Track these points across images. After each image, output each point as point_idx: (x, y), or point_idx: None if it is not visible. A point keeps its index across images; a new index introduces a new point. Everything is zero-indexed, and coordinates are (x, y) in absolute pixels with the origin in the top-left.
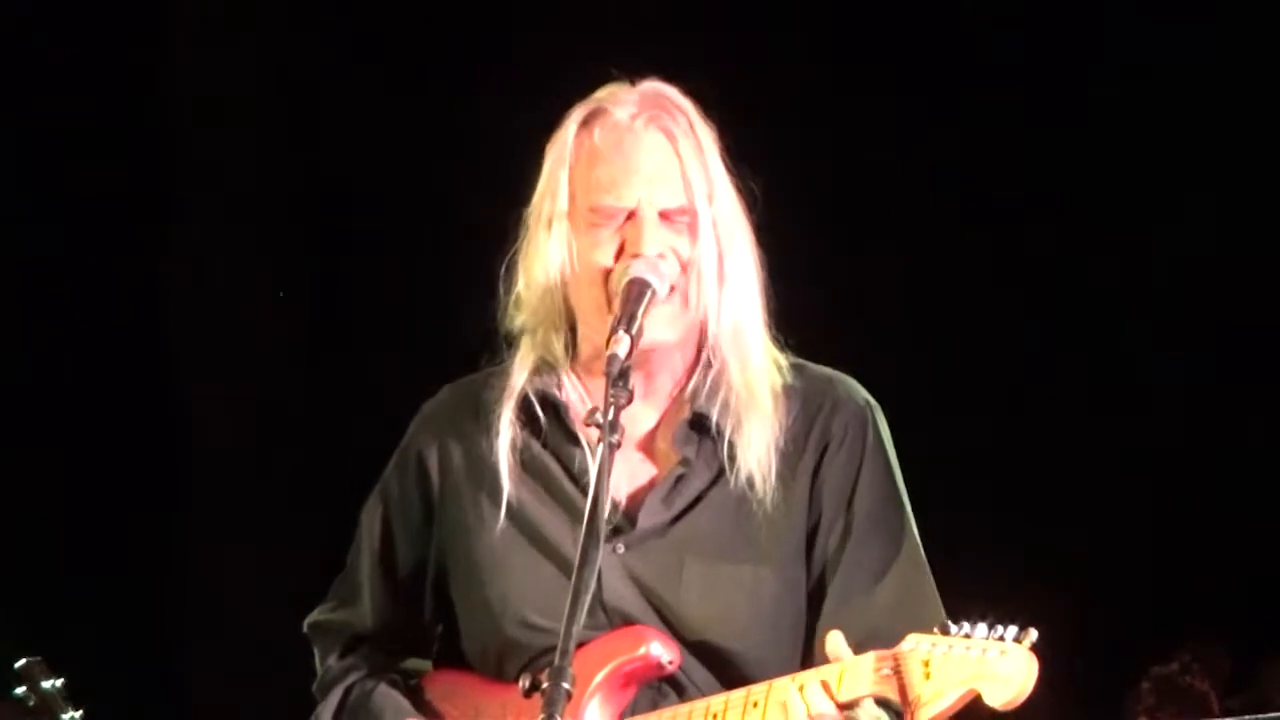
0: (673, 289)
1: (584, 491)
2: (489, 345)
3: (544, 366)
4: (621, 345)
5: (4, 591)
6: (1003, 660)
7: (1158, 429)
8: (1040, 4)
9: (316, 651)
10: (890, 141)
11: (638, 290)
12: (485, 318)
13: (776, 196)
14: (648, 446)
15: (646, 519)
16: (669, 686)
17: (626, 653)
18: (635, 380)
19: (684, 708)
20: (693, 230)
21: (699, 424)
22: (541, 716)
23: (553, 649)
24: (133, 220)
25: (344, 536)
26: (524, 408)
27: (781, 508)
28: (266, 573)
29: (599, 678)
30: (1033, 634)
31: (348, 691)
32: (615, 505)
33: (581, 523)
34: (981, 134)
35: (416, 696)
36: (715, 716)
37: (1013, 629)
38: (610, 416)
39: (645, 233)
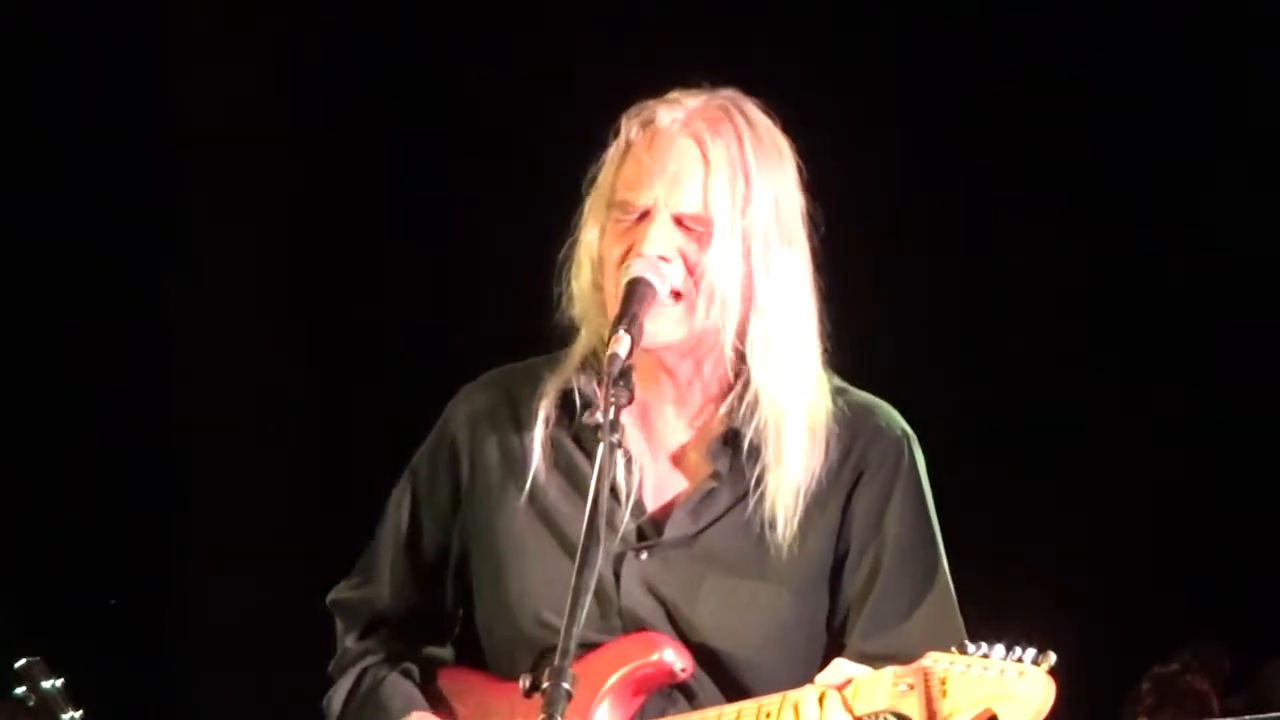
0: (679, 294)
1: (614, 492)
2: (491, 347)
3: (592, 360)
4: (622, 345)
5: (4, 592)
6: (1020, 682)
7: (1158, 429)
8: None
9: (337, 628)
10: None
11: (638, 290)
12: (484, 319)
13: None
14: (680, 458)
15: (673, 529)
16: (679, 694)
17: (639, 658)
18: (666, 387)
19: (694, 715)
20: (708, 238)
21: (732, 440)
22: (541, 717)
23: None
24: (133, 218)
25: (345, 536)
26: (564, 401)
27: (808, 534)
28: (267, 573)
29: (610, 682)
30: (1051, 657)
31: (361, 676)
32: (644, 513)
33: (611, 529)
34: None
35: (427, 689)
36: None
37: (1031, 651)
38: (610, 416)
39: (651, 232)
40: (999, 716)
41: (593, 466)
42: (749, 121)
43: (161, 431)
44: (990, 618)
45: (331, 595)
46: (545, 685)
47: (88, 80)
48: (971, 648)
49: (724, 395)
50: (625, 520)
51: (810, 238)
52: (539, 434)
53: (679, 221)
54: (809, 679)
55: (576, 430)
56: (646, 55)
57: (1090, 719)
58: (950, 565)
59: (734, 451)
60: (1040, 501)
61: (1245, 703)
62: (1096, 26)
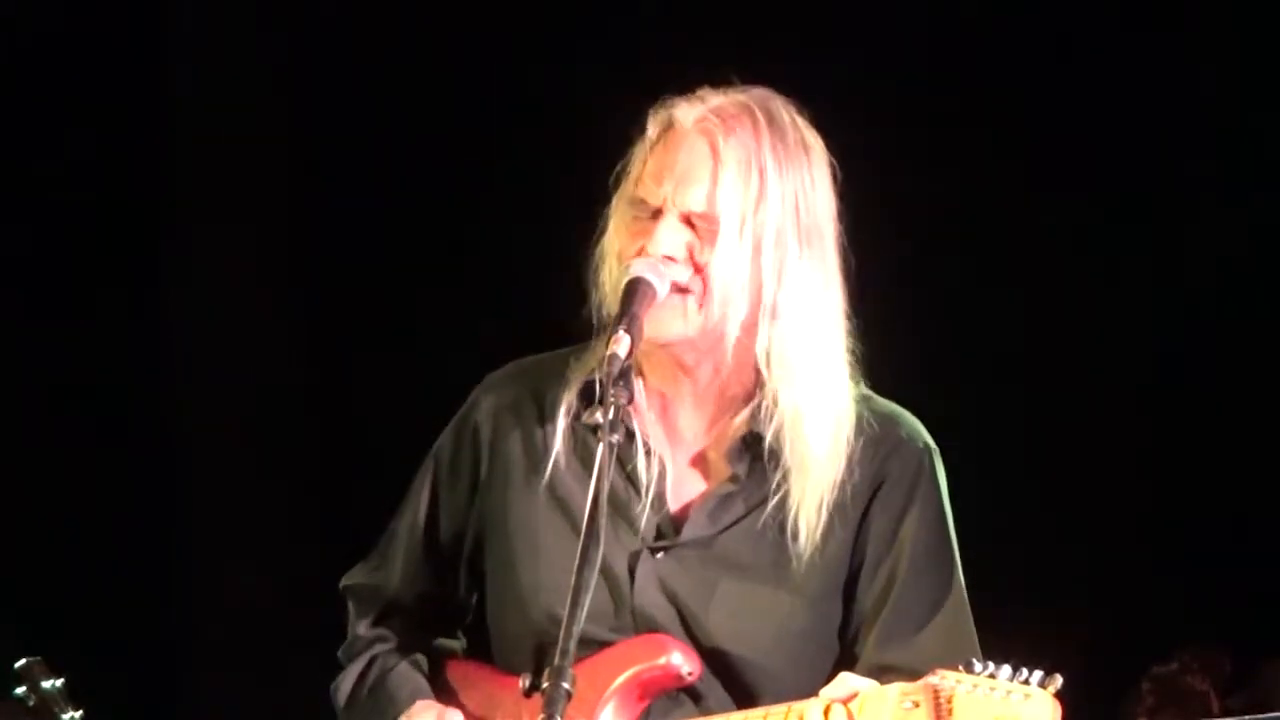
0: (684, 290)
1: (634, 487)
2: (492, 346)
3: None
4: (622, 345)
5: (4, 592)
6: (1026, 704)
7: (1158, 428)
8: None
9: (349, 613)
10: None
11: (638, 290)
12: (485, 320)
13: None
14: (700, 459)
15: (690, 531)
16: (686, 696)
17: (646, 660)
18: (685, 386)
19: None
20: (715, 236)
21: (753, 444)
22: (541, 716)
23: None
24: (132, 217)
25: (346, 537)
26: (586, 394)
27: (826, 543)
28: (267, 573)
29: (617, 683)
30: (1058, 680)
31: (370, 664)
32: (664, 513)
33: (629, 525)
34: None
35: (435, 680)
36: None
37: (1038, 673)
38: (610, 416)
39: (659, 231)
40: None
41: (615, 461)
42: (771, 119)
43: (161, 431)
44: (990, 618)
45: (345, 580)
46: (545, 685)
47: (87, 78)
48: (979, 666)
49: (746, 401)
50: (645, 511)
51: (840, 241)
52: (560, 426)
53: (687, 220)
54: (817, 688)
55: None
56: (668, 53)
57: (1090, 719)
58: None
59: (754, 456)
60: (1040, 502)
61: (1245, 703)
62: (1132, 27)
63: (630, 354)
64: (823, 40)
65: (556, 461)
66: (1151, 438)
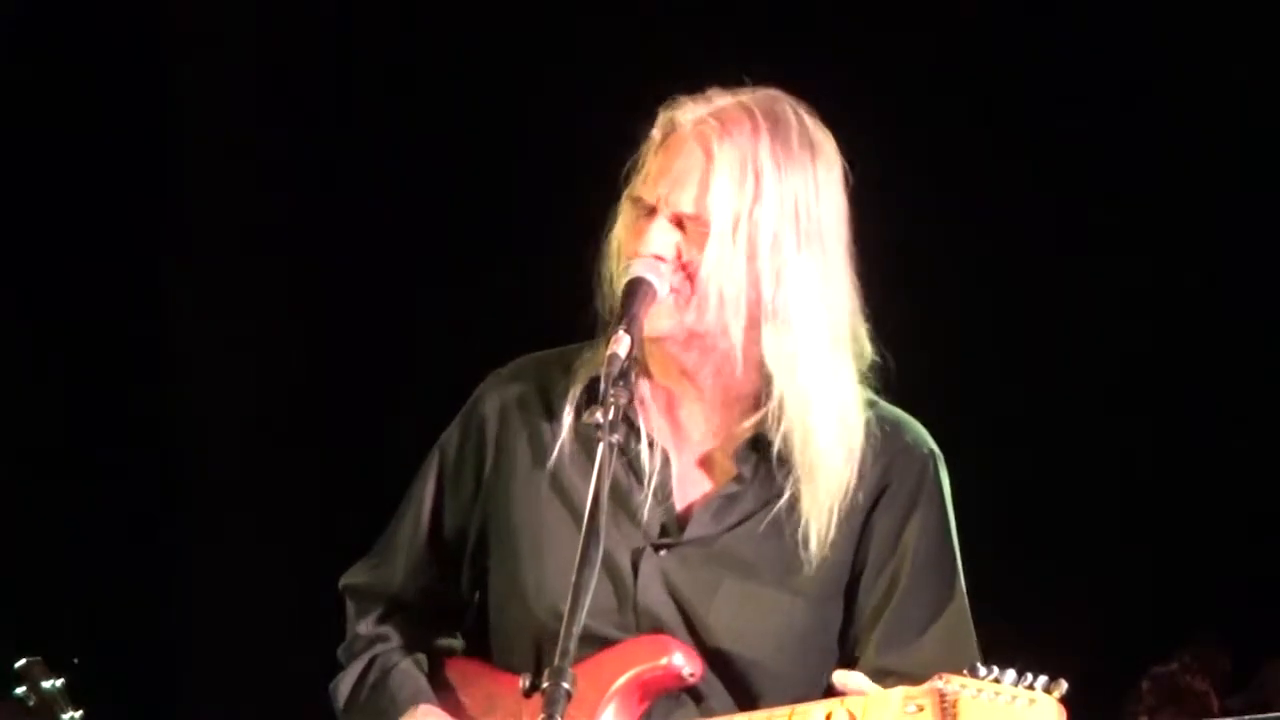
0: (675, 291)
1: (636, 476)
2: (493, 346)
3: None
4: (622, 345)
5: (4, 592)
6: (1031, 710)
7: (1158, 428)
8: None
9: (348, 612)
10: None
11: (639, 290)
12: (487, 319)
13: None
14: (705, 458)
15: (695, 529)
16: (688, 696)
17: (648, 661)
18: (688, 387)
19: None
20: (704, 238)
21: (759, 445)
22: (542, 717)
23: (578, 641)
24: (133, 217)
25: (346, 537)
26: (592, 390)
27: (829, 546)
28: (267, 573)
29: (618, 683)
30: (1063, 685)
31: (370, 663)
32: (669, 509)
33: (631, 519)
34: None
35: (435, 679)
36: None
37: (1043, 678)
38: (610, 416)
39: (650, 231)
40: None
41: (620, 457)
42: (774, 121)
43: (162, 431)
44: (991, 619)
45: (345, 579)
46: (545, 685)
47: (87, 78)
48: (983, 670)
49: (755, 402)
50: (647, 502)
51: (849, 244)
52: (567, 422)
53: (678, 221)
54: (817, 691)
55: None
56: (671, 52)
57: (1090, 719)
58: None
59: (760, 457)
60: (1040, 502)
61: (1245, 703)
62: (1139, 27)
63: (630, 354)
64: (822, 40)
65: (561, 458)
66: (1151, 438)
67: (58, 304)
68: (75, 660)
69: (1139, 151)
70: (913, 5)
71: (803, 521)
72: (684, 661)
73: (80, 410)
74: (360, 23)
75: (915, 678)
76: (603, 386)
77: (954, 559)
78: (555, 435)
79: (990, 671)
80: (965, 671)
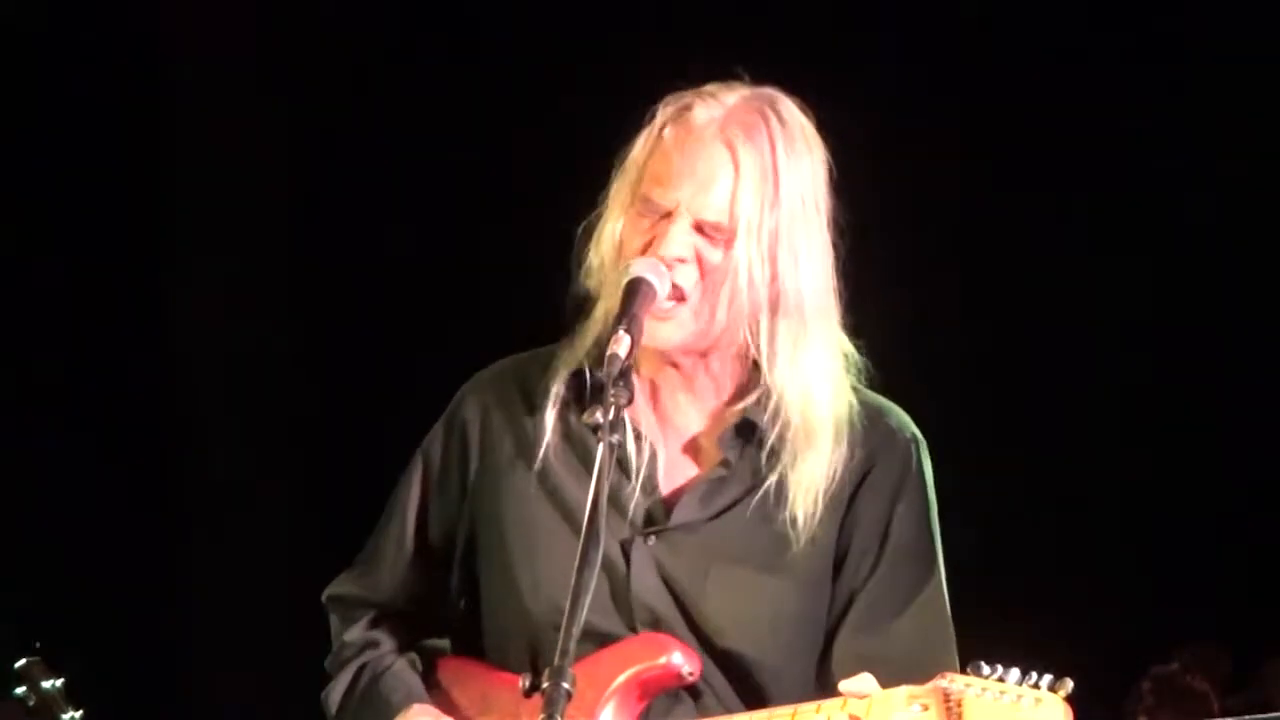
0: (683, 296)
1: (624, 471)
2: (493, 345)
3: (606, 341)
4: (622, 345)
5: (4, 592)
6: (1038, 710)
7: (1158, 428)
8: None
9: (332, 624)
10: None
11: (639, 290)
12: (485, 317)
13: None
14: (691, 444)
15: (681, 514)
16: (685, 692)
17: (647, 660)
18: (674, 377)
19: None
20: (729, 244)
21: (746, 431)
22: (542, 717)
23: (574, 638)
24: (132, 217)
25: (346, 537)
26: (576, 383)
27: (815, 529)
28: (267, 572)
29: (617, 682)
30: (1068, 684)
31: (359, 672)
32: (655, 498)
33: (618, 510)
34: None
35: (427, 679)
36: None
37: (1048, 677)
38: (610, 416)
39: (671, 235)
40: None
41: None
42: (782, 123)
43: (162, 430)
44: (991, 619)
45: (329, 590)
46: (545, 685)
47: (87, 78)
48: (986, 669)
49: (739, 391)
50: (635, 496)
51: (834, 239)
52: (550, 416)
53: (699, 227)
54: (811, 673)
55: (588, 409)
56: (667, 50)
57: (1090, 719)
58: (949, 566)
59: (746, 442)
60: (1040, 502)
61: (1245, 703)
62: (1134, 29)
63: (630, 354)
64: (821, 39)
65: (548, 455)
66: (1151, 438)
67: (57, 303)
68: (37, 644)
69: (1138, 150)
70: (911, 5)
71: (789, 506)
72: (683, 660)
73: (80, 410)
74: (360, 22)
75: (888, 661)
76: (600, 382)
77: (934, 545)
78: (540, 433)
79: (994, 670)
80: (969, 670)
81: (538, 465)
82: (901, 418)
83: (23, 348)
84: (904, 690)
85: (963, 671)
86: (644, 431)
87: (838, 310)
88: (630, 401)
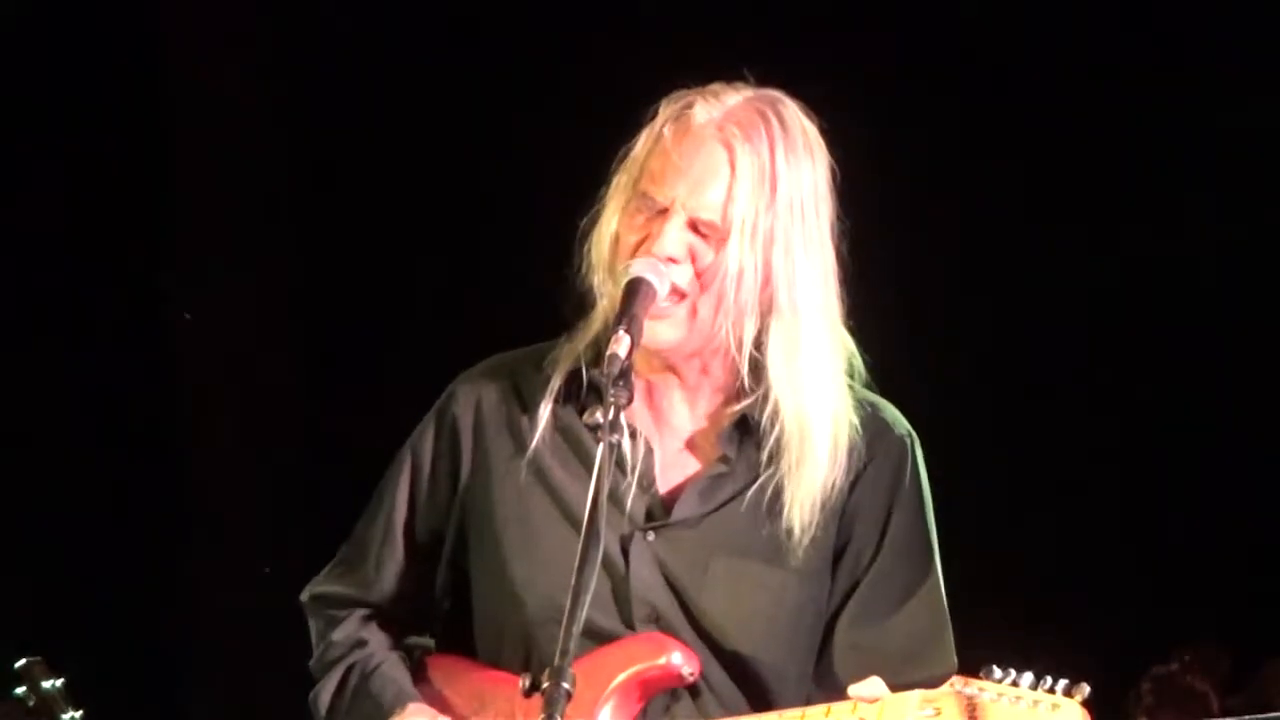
0: (682, 295)
1: (619, 466)
2: (493, 345)
3: (604, 334)
4: (622, 345)
5: (4, 591)
6: (1055, 715)
7: (1158, 428)
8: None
9: (315, 625)
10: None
11: (639, 290)
12: (485, 317)
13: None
14: (689, 442)
15: (681, 510)
16: (684, 690)
17: (647, 660)
18: (671, 378)
19: None
20: (721, 244)
21: (744, 427)
22: (541, 717)
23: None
24: (132, 216)
25: (347, 535)
26: (572, 380)
27: (814, 524)
28: (267, 572)
29: (616, 682)
30: (1085, 689)
31: (348, 671)
32: (653, 495)
33: (615, 507)
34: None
35: (417, 678)
36: None
37: (1063, 682)
38: (610, 416)
39: (666, 233)
40: None
41: (598, 448)
42: (783, 125)
43: (162, 431)
44: (991, 619)
45: (311, 590)
46: (545, 685)
47: (87, 78)
48: (998, 672)
49: (736, 392)
50: (632, 493)
51: (837, 243)
52: (544, 414)
53: (694, 225)
54: (810, 667)
55: (584, 408)
56: (666, 53)
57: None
58: (949, 565)
59: (744, 438)
60: (1040, 503)
61: (1245, 703)
62: (1129, 28)
63: (630, 354)
64: (821, 39)
65: (541, 451)
66: (1151, 438)
67: (57, 302)
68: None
69: (1138, 150)
70: (910, 5)
71: (788, 500)
72: (683, 660)
73: (81, 411)
74: (359, 25)
75: (885, 654)
76: (600, 382)
77: (930, 540)
78: (533, 429)
79: (1007, 674)
80: (982, 674)
81: (532, 461)
82: (895, 415)
83: (23, 348)
84: (917, 694)
85: (974, 674)
86: (640, 430)
87: (839, 314)
88: (630, 401)
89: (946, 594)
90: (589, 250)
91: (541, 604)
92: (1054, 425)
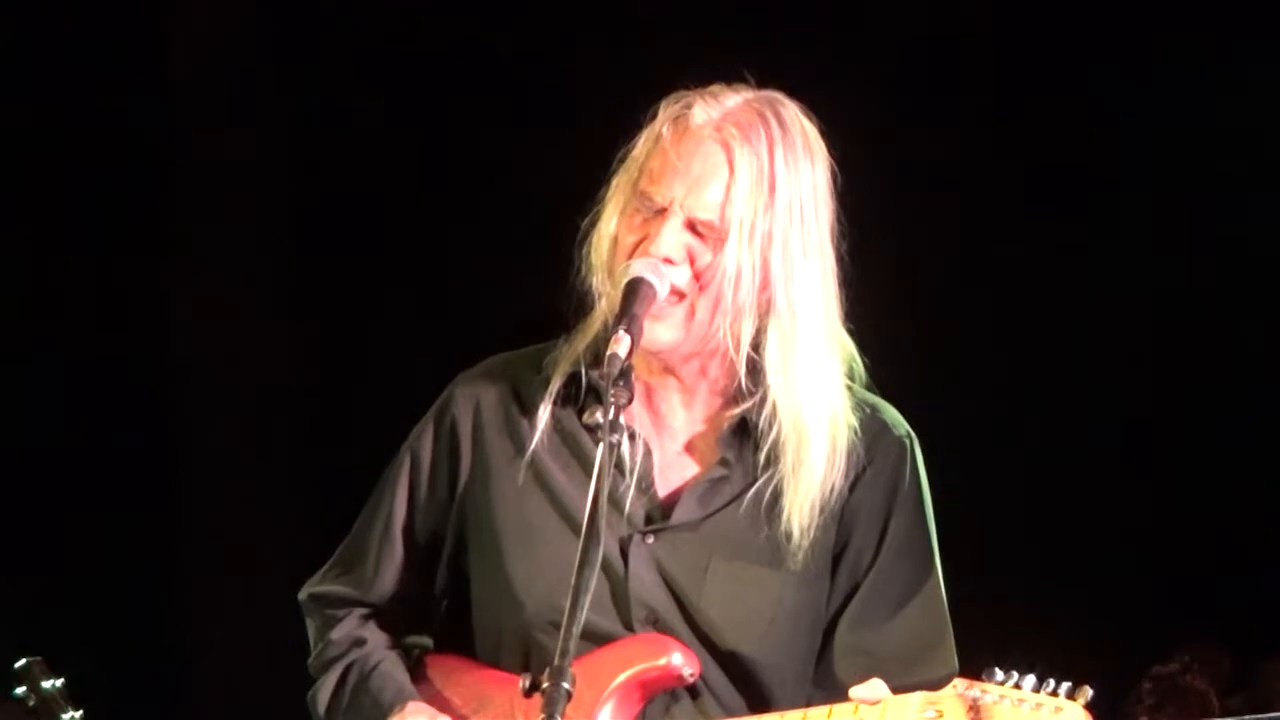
0: (681, 295)
1: (621, 472)
2: (492, 345)
3: (603, 335)
4: (622, 345)
5: (4, 591)
6: (1057, 718)
7: (1158, 428)
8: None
9: (313, 624)
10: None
11: (639, 290)
12: (483, 316)
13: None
14: (689, 447)
15: (681, 513)
16: (684, 691)
17: (647, 660)
18: (670, 380)
19: None
20: (720, 244)
21: (742, 430)
22: (541, 717)
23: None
24: (132, 216)
25: (344, 536)
26: (571, 382)
27: (812, 527)
28: (267, 572)
29: (616, 682)
30: (1088, 691)
31: (347, 670)
32: (653, 498)
33: (614, 509)
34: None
35: (417, 677)
36: None
37: (1066, 685)
38: (610, 416)
39: (663, 233)
40: None
41: (597, 449)
42: (783, 127)
43: (162, 432)
44: (991, 619)
45: (309, 589)
46: (545, 685)
47: (87, 77)
48: (1000, 674)
49: (735, 395)
50: (630, 492)
51: (837, 246)
52: (544, 415)
53: (692, 225)
54: (809, 669)
55: (583, 409)
56: (665, 51)
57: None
58: (950, 566)
59: (743, 441)
60: (1040, 502)
61: (1245, 703)
62: (1133, 26)
63: (630, 354)
64: (820, 39)
65: (540, 451)
66: (1151, 438)
67: (58, 306)
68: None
69: (1138, 150)
70: (909, 6)
71: (787, 503)
72: (683, 661)
73: (81, 409)
74: (359, 24)
75: (886, 656)
76: (599, 383)
77: (930, 541)
78: (533, 430)
79: (1009, 676)
80: (984, 676)
81: (531, 462)
82: (895, 416)
83: (23, 347)
84: (919, 696)
85: (976, 677)
86: (639, 431)
87: (838, 316)
88: (630, 402)
89: (946, 595)
90: (588, 251)
91: (540, 605)
92: (1054, 425)
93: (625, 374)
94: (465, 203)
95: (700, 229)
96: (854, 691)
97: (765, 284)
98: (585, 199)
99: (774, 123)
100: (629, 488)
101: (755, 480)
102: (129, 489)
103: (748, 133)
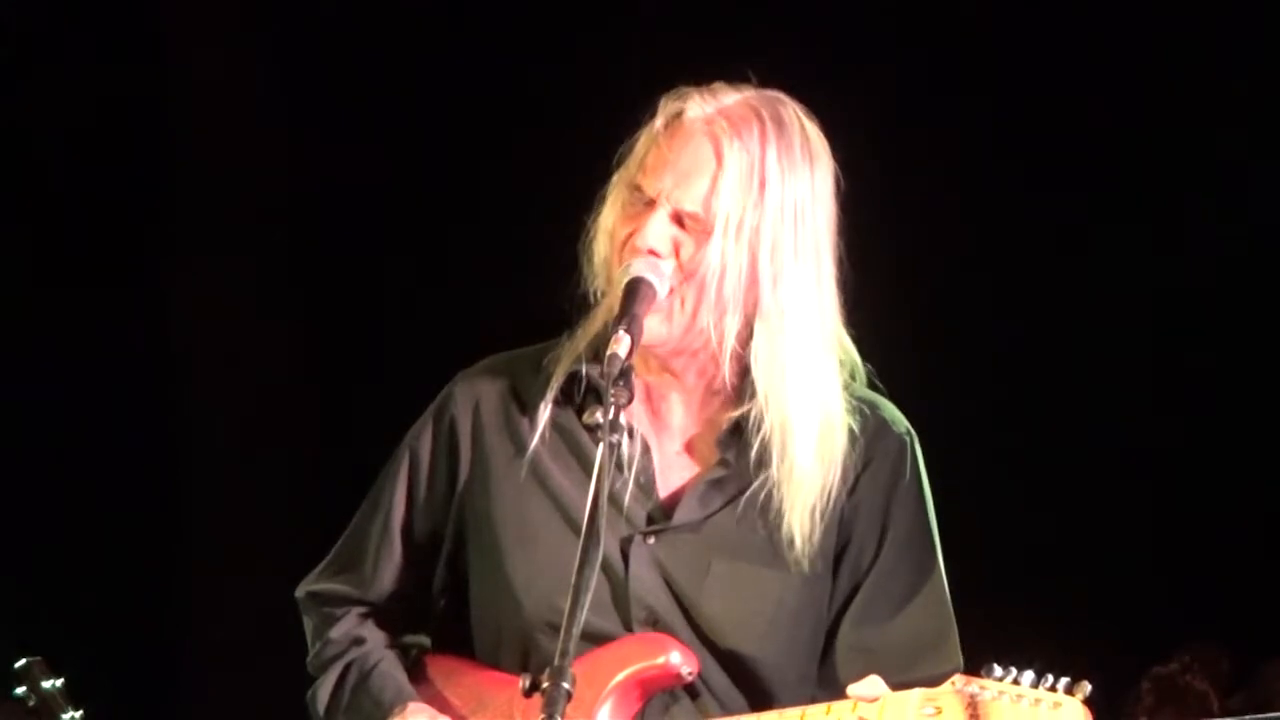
0: (671, 291)
1: (621, 471)
2: (491, 345)
3: (604, 334)
4: (622, 345)
5: (4, 591)
6: (1056, 713)
7: (1158, 428)
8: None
9: (310, 623)
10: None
11: (639, 290)
12: (482, 317)
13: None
14: (689, 447)
15: (682, 514)
16: (683, 690)
17: (646, 659)
18: (670, 380)
19: None
20: (705, 239)
21: (742, 430)
22: (541, 716)
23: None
24: (132, 216)
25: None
26: (571, 382)
27: (813, 526)
28: (267, 572)
29: (614, 681)
30: (1086, 687)
31: (346, 669)
32: (653, 498)
33: (614, 509)
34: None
35: (416, 676)
36: None
37: (1064, 680)
38: (609, 416)
39: (649, 225)
40: None
41: (597, 448)
42: (779, 124)
43: (162, 431)
44: (991, 618)
45: (306, 587)
46: (545, 685)
47: (87, 76)
48: (999, 670)
49: (735, 394)
50: (629, 489)
51: (837, 249)
52: (544, 414)
53: (678, 218)
54: (813, 673)
55: (582, 409)
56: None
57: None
58: (950, 566)
59: (743, 441)
60: (1040, 502)
61: (1245, 703)
62: (1133, 26)
63: (630, 354)
64: (820, 39)
65: (540, 451)
66: (1151, 438)
67: (58, 307)
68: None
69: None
70: (911, 6)
71: (785, 505)
72: (682, 660)
73: (81, 409)
74: (359, 24)
75: (889, 654)
76: (605, 386)
77: (932, 538)
78: (533, 429)
79: (1008, 672)
80: (982, 672)
81: (530, 461)
82: (894, 412)
83: (23, 347)
84: (917, 692)
85: (974, 673)
86: (638, 429)
87: (835, 320)
88: (630, 401)
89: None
90: (588, 249)
91: (540, 605)
92: (1054, 425)
93: (625, 374)
94: (465, 203)
95: (686, 220)
96: (852, 689)
97: (753, 282)
98: (586, 199)
99: (769, 121)
100: (628, 487)
101: (756, 480)
102: (129, 489)
103: (739, 128)
